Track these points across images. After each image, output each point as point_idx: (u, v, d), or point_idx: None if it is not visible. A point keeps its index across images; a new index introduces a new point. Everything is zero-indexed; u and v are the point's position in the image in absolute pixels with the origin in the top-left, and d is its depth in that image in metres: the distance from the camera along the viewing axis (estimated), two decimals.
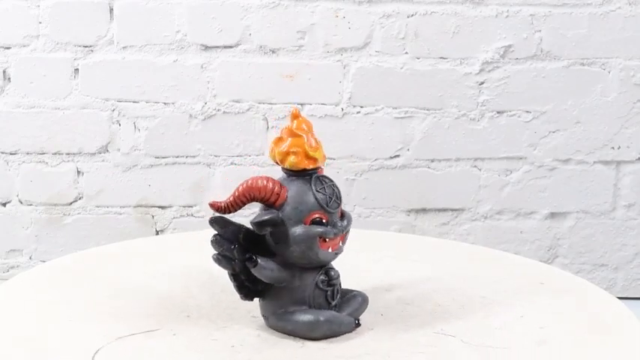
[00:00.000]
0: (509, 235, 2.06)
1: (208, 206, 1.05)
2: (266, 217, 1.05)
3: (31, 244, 2.02)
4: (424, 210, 2.05)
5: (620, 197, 2.06)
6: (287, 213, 1.06)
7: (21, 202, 2.01)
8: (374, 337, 1.08)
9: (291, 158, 1.07)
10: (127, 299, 1.16)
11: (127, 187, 2.01)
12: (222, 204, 1.06)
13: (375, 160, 2.02)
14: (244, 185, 1.05)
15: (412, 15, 1.97)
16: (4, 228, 2.01)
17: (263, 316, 1.09)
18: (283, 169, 1.08)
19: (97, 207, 2.01)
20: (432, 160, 2.03)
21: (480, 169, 2.04)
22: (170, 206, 2.02)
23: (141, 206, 2.02)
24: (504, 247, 2.05)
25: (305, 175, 1.07)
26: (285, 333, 1.08)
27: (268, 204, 1.06)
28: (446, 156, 2.02)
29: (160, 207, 2.02)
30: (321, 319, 1.07)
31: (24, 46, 1.95)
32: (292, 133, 1.07)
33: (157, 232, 2.03)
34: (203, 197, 2.01)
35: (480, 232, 2.05)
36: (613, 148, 2.04)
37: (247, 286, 1.09)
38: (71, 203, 2.01)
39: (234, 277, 1.08)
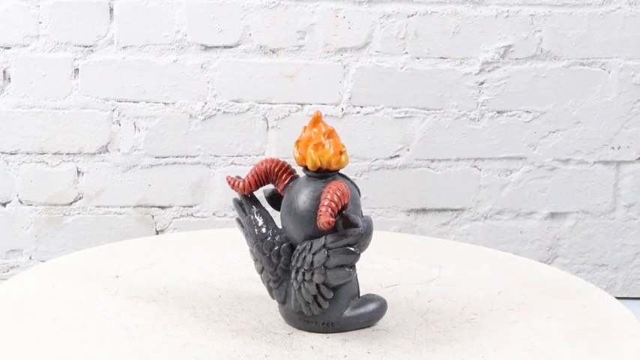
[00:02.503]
0: (509, 235, 2.06)
1: (325, 225, 1.02)
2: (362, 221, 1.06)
3: (31, 244, 2.02)
4: (424, 210, 2.05)
5: (620, 197, 2.06)
6: (353, 211, 1.07)
7: (21, 202, 2.01)
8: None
9: (343, 158, 1.08)
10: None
11: (127, 187, 2.01)
12: (330, 221, 1.02)
13: (375, 160, 2.02)
14: (338, 195, 1.03)
15: (412, 15, 1.97)
16: (4, 228, 2.01)
17: (323, 324, 1.08)
18: (311, 171, 1.08)
19: (97, 207, 2.01)
20: (432, 160, 2.03)
21: (480, 169, 2.04)
22: (170, 206, 2.02)
23: (141, 206, 2.02)
24: (504, 247, 2.05)
25: (330, 174, 1.08)
26: (355, 329, 1.09)
27: (346, 206, 1.06)
28: (446, 156, 2.02)
29: (160, 207, 2.02)
30: (382, 300, 1.10)
31: (24, 46, 1.95)
32: (332, 135, 1.08)
33: (157, 232, 2.03)
34: (203, 197, 2.01)
35: (480, 232, 2.05)
36: (613, 148, 2.04)
37: None
38: (71, 203, 2.01)
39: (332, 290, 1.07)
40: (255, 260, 1.11)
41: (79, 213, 2.01)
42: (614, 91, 2.02)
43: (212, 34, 1.96)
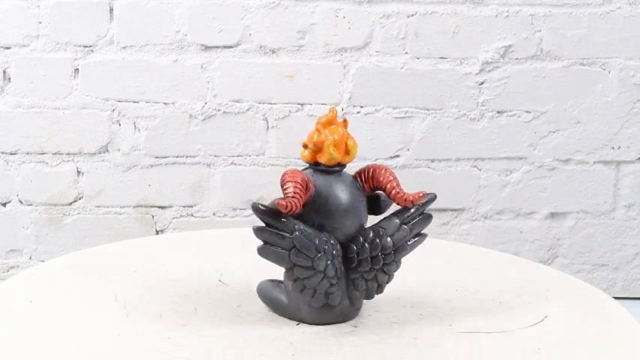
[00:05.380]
0: (509, 235, 2.06)
1: (418, 199, 1.12)
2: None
3: (31, 244, 2.02)
4: None
5: (620, 197, 2.06)
6: None
7: (21, 202, 2.01)
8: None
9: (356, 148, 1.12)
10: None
11: (127, 187, 2.01)
12: (422, 192, 1.11)
13: (375, 160, 2.02)
14: (392, 171, 1.11)
15: (412, 15, 1.97)
16: (4, 228, 2.01)
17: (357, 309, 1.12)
18: (330, 167, 1.10)
19: (97, 207, 2.01)
20: (432, 160, 2.03)
21: (480, 169, 2.04)
22: (170, 206, 2.02)
23: (141, 206, 2.02)
24: (504, 247, 2.05)
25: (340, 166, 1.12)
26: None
27: None
28: (446, 156, 2.02)
29: (160, 207, 2.02)
30: None
31: (24, 46, 1.95)
32: (346, 126, 1.12)
33: (157, 232, 2.03)
34: (203, 197, 2.01)
35: (480, 232, 2.05)
36: (613, 148, 2.04)
37: None
38: (71, 203, 2.01)
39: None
40: (308, 277, 1.05)
41: (79, 213, 2.01)
42: (614, 91, 2.02)
43: (212, 34, 1.96)
